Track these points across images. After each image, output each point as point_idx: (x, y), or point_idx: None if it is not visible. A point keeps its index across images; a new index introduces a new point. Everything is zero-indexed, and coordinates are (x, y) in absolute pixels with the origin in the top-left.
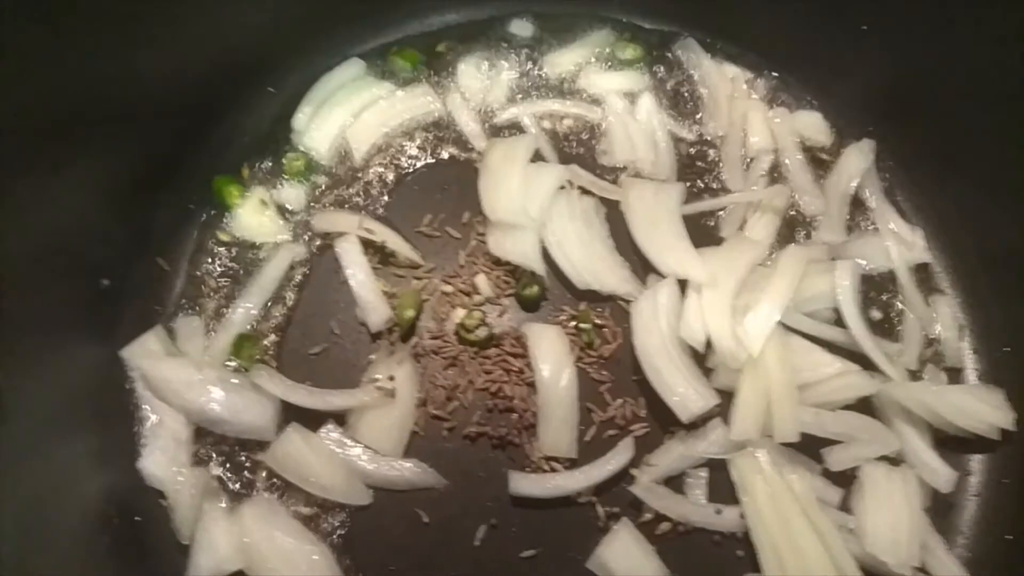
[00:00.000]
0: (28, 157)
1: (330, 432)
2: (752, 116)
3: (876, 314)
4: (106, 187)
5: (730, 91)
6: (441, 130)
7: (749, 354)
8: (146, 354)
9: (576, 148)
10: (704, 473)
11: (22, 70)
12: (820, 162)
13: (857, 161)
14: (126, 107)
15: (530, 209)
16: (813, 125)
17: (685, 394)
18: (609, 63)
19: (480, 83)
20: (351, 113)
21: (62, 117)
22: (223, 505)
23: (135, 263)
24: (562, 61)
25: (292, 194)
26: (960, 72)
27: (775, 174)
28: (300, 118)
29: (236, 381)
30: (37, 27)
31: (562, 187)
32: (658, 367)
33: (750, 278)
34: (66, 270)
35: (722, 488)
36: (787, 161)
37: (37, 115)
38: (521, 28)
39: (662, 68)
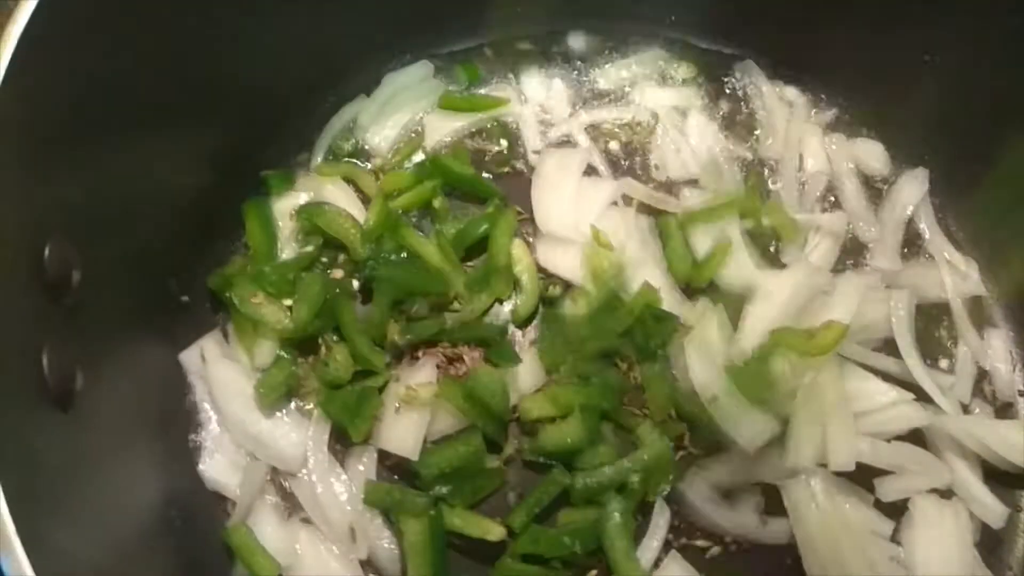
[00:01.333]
0: (118, 139)
1: None
2: (809, 140)
3: (929, 345)
4: (184, 181)
5: (787, 114)
6: (504, 135)
7: (805, 380)
8: (203, 358)
9: (630, 162)
10: (756, 495)
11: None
12: (874, 190)
13: (912, 189)
14: (212, 96)
15: (581, 224)
16: (872, 153)
17: (750, 424)
18: (662, 79)
19: (542, 93)
20: (416, 111)
21: (149, 101)
22: (279, 515)
23: (200, 263)
24: (615, 75)
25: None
26: (1018, 104)
27: (830, 200)
28: (365, 115)
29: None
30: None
31: (616, 203)
32: (717, 395)
33: (808, 304)
34: (143, 270)
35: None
36: (843, 187)
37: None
38: (577, 42)
39: (717, 88)
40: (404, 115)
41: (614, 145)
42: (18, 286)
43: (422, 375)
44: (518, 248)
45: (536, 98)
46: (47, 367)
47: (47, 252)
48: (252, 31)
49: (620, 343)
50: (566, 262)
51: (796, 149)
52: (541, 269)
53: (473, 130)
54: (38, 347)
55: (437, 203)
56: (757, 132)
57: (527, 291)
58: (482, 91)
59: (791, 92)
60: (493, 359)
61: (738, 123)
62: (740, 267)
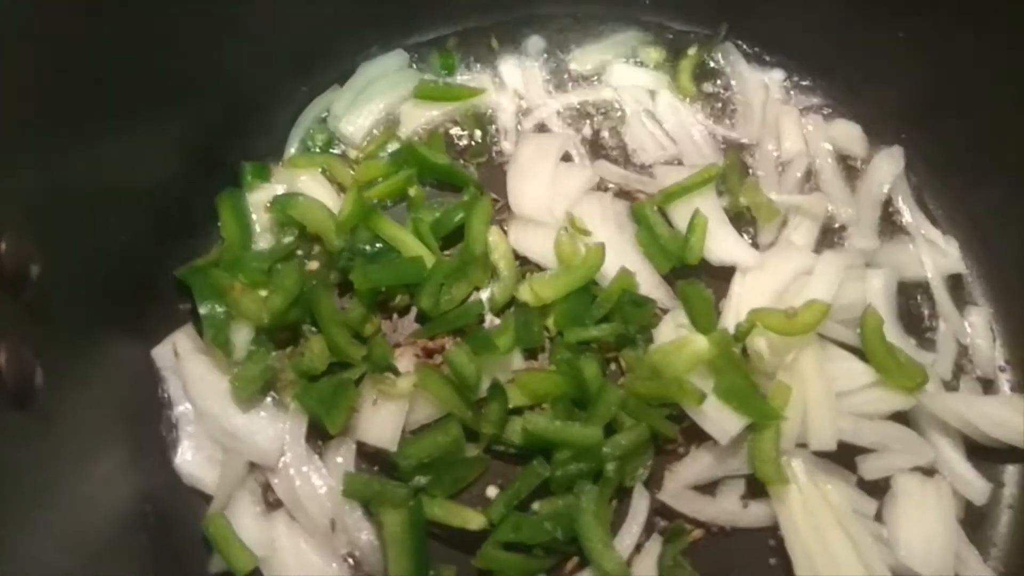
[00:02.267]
0: (85, 129)
1: None
2: (785, 122)
3: (909, 323)
4: (154, 172)
5: (764, 96)
6: (480, 124)
7: (785, 360)
8: (176, 352)
9: (606, 146)
10: (740, 482)
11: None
12: (852, 169)
13: (888, 167)
14: (180, 87)
15: (555, 208)
16: (848, 134)
17: (721, 416)
18: (636, 61)
19: (519, 79)
20: (391, 101)
21: (117, 90)
22: (259, 506)
23: (171, 256)
24: (590, 58)
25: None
26: (995, 80)
27: (808, 180)
28: (339, 104)
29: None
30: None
31: (593, 188)
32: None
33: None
34: (109, 265)
35: (760, 493)
36: (820, 167)
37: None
38: (551, 25)
39: (694, 69)
40: (378, 104)
41: (589, 130)
42: None
43: (400, 366)
44: (495, 236)
45: (512, 84)
46: (2, 364)
47: (1, 246)
48: (224, 20)
49: (598, 330)
50: (538, 245)
51: (773, 131)
52: (514, 253)
53: (449, 119)
54: None
55: (413, 191)
56: (734, 114)
57: (504, 279)
58: (458, 79)
59: (768, 74)
60: (470, 347)
61: (715, 105)
62: (722, 242)
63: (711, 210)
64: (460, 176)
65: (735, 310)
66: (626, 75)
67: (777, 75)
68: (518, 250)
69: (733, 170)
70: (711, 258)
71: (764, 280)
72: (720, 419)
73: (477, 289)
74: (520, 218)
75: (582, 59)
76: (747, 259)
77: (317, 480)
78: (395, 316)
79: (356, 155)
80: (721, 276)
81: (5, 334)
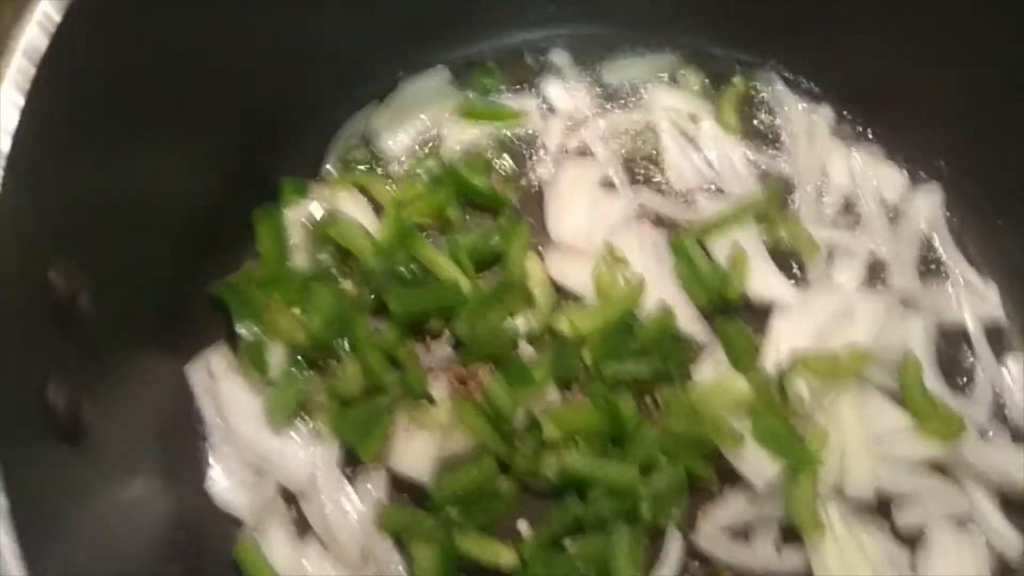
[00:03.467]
0: (127, 146)
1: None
2: (834, 157)
3: (946, 368)
4: (193, 189)
5: (810, 128)
6: (522, 145)
7: (823, 403)
8: (209, 372)
9: (646, 172)
10: (774, 526)
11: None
12: (892, 208)
13: (926, 205)
14: (220, 101)
15: (594, 237)
16: (891, 171)
17: (758, 459)
18: (677, 85)
19: (562, 101)
20: (432, 118)
21: (159, 105)
22: (290, 527)
23: (207, 273)
24: (626, 75)
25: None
26: None
27: (850, 216)
28: (379, 120)
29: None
30: None
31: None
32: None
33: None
34: (145, 283)
35: (794, 539)
36: (864, 205)
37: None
38: (592, 46)
39: (738, 96)
40: (419, 121)
41: (630, 153)
42: (19, 314)
43: (434, 392)
44: (532, 263)
45: (556, 105)
46: (54, 401)
47: (52, 276)
48: (266, 35)
49: (636, 366)
50: (576, 274)
51: (818, 165)
52: (551, 281)
53: (490, 139)
54: (43, 380)
55: (451, 213)
56: (777, 144)
57: (540, 307)
58: (502, 99)
59: (815, 107)
60: (505, 377)
61: (759, 135)
62: (762, 278)
63: (752, 244)
64: (498, 199)
65: (775, 349)
66: (667, 98)
67: (825, 109)
68: (555, 279)
69: (773, 201)
70: (750, 294)
71: (805, 319)
72: (757, 462)
73: (512, 316)
74: (558, 245)
75: (618, 76)
76: (787, 297)
77: (348, 507)
78: (428, 340)
79: (396, 171)
80: (758, 311)
81: (55, 369)
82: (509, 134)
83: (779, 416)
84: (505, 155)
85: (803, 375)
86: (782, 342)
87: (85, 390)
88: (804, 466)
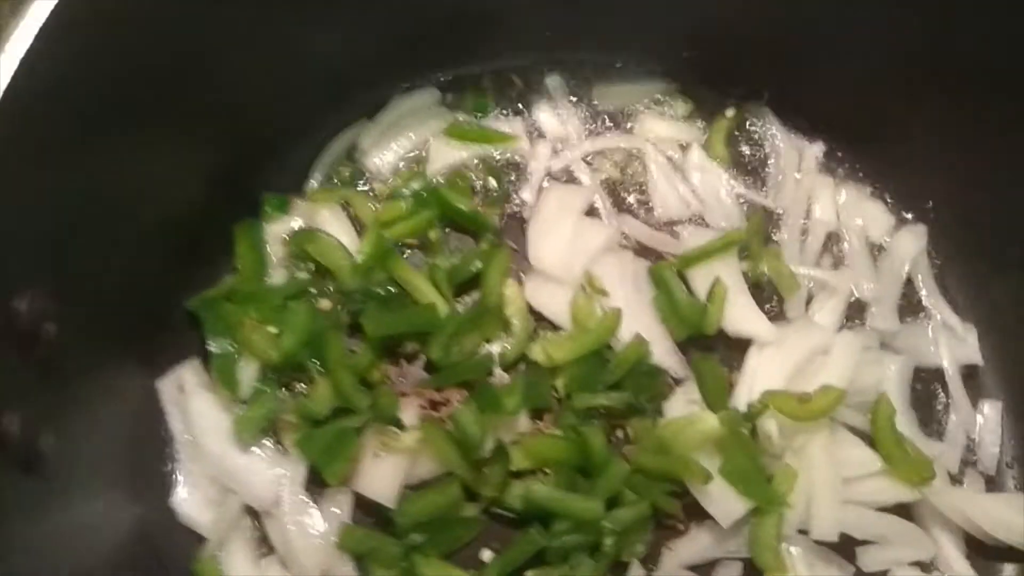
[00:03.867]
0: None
1: None
2: (820, 193)
3: (920, 410)
4: (173, 200)
5: (799, 165)
6: (509, 169)
7: (794, 443)
8: (180, 387)
9: (630, 199)
10: (738, 564)
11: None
12: (876, 246)
13: (910, 245)
14: (206, 112)
15: (574, 265)
16: (875, 210)
17: (725, 497)
18: (661, 112)
19: (553, 126)
20: (420, 138)
21: (143, 111)
22: (253, 551)
23: (184, 287)
24: (613, 101)
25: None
26: None
27: (832, 254)
28: (367, 138)
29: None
30: None
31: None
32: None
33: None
34: (119, 297)
35: None
36: (849, 243)
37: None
38: (580, 74)
39: (727, 128)
40: (407, 140)
41: (617, 181)
42: None
43: (404, 417)
44: (510, 289)
45: (546, 130)
46: (7, 430)
47: (16, 304)
48: (256, 48)
49: (607, 398)
50: (555, 303)
51: (804, 200)
52: (529, 308)
53: (477, 161)
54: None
55: (433, 235)
56: (764, 178)
57: (517, 334)
58: (491, 121)
59: (805, 143)
60: (476, 403)
61: (747, 168)
62: (740, 313)
63: (732, 278)
64: (481, 223)
65: (748, 386)
66: (657, 127)
67: (815, 145)
68: (533, 305)
69: (756, 235)
70: (728, 328)
71: (780, 357)
72: (724, 501)
73: (487, 342)
74: (538, 273)
75: (609, 101)
76: (764, 333)
77: (312, 528)
78: (403, 362)
79: (381, 188)
80: (737, 347)
81: (12, 398)
82: (497, 157)
83: (748, 455)
84: (491, 178)
85: (773, 415)
86: (756, 380)
87: (45, 416)
88: (771, 507)
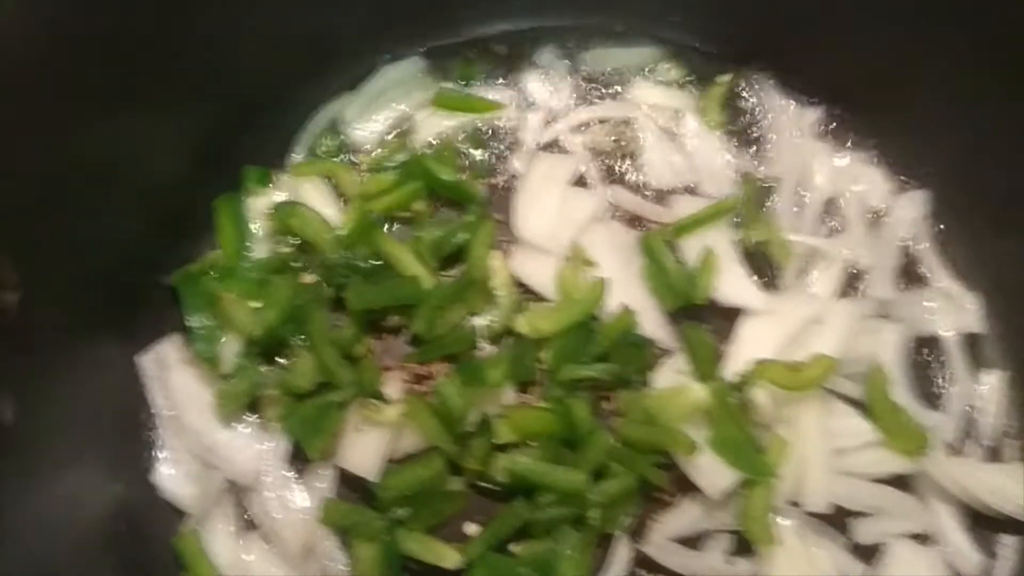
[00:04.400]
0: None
1: None
2: (817, 160)
3: (919, 380)
4: (154, 170)
5: (796, 131)
6: (496, 138)
7: (785, 413)
8: (161, 362)
9: (621, 168)
10: (727, 536)
11: None
12: (876, 214)
13: (909, 213)
14: (188, 82)
15: (561, 236)
16: (876, 177)
17: (713, 469)
18: (655, 78)
19: (541, 94)
20: (405, 108)
21: (129, 83)
22: (234, 522)
23: (165, 260)
24: (606, 64)
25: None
26: None
27: (829, 222)
28: (351, 109)
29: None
30: None
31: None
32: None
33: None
34: (98, 267)
35: (746, 550)
36: (846, 210)
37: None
38: (569, 40)
39: (722, 94)
40: (392, 111)
41: (605, 148)
42: None
43: (388, 390)
44: (496, 261)
45: (535, 98)
46: None
47: None
48: (239, 16)
49: (594, 370)
50: (540, 274)
51: (800, 168)
52: (514, 279)
53: (465, 132)
54: None
55: (418, 207)
56: (760, 146)
57: (502, 306)
58: (479, 90)
59: (803, 109)
60: (461, 377)
61: (742, 135)
62: (731, 283)
63: (724, 247)
64: (466, 194)
65: (739, 356)
66: (650, 94)
67: (813, 110)
68: (519, 277)
69: (751, 202)
70: (719, 298)
71: (773, 326)
72: (712, 472)
73: (473, 315)
74: (524, 243)
75: (600, 65)
76: (755, 302)
77: (294, 504)
78: (387, 336)
79: (365, 162)
80: (729, 317)
81: None
82: (484, 127)
83: (738, 426)
84: (479, 149)
85: (764, 385)
86: (747, 350)
87: (13, 388)
88: (760, 478)
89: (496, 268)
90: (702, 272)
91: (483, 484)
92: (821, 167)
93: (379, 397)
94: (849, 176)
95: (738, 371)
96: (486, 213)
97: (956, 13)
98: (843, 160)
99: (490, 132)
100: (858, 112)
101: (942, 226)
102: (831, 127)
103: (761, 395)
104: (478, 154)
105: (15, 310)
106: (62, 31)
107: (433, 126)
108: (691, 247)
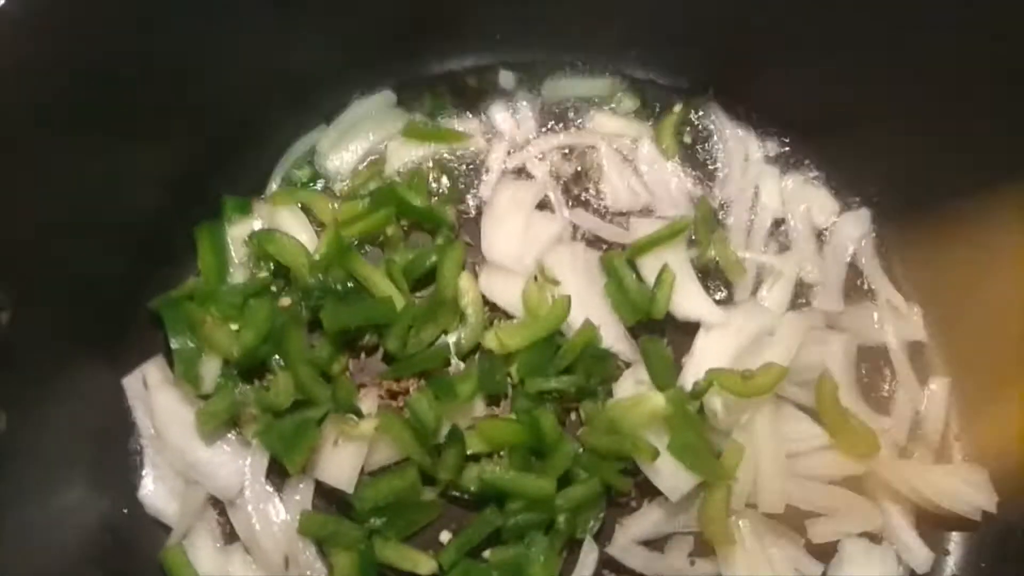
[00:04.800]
0: (67, 154)
1: None
2: (765, 181)
3: (868, 388)
4: (135, 201)
5: (744, 153)
6: (465, 166)
7: (740, 420)
8: (145, 383)
9: (582, 192)
10: (689, 538)
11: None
12: (820, 230)
13: (853, 230)
14: (167, 116)
15: (526, 257)
16: (822, 196)
17: (674, 473)
18: (616, 109)
19: (507, 124)
20: (377, 139)
21: (110, 118)
22: (217, 539)
23: (147, 287)
24: (563, 95)
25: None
26: (966, 161)
27: (778, 239)
28: (325, 141)
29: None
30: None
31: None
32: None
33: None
34: (82, 294)
35: (707, 551)
36: (794, 229)
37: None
38: (532, 73)
39: (674, 121)
40: (364, 142)
41: (566, 173)
42: None
43: (364, 406)
44: (465, 281)
45: (501, 128)
46: None
47: None
48: (215, 52)
49: (559, 382)
50: (508, 293)
51: (751, 189)
52: (483, 298)
53: (434, 159)
54: None
55: (390, 231)
56: (712, 169)
57: (472, 324)
58: (447, 120)
59: (751, 134)
60: (433, 392)
61: (695, 159)
62: (688, 298)
63: (680, 265)
64: (437, 218)
65: (696, 367)
66: (609, 123)
67: (760, 136)
68: (488, 296)
69: (704, 222)
70: (677, 312)
71: (727, 338)
72: (672, 476)
73: (445, 333)
74: (491, 264)
75: (558, 94)
76: (711, 316)
77: (274, 516)
78: (363, 355)
79: (340, 189)
80: (686, 331)
81: None
82: (452, 156)
83: (695, 431)
84: (446, 176)
85: (719, 392)
86: (703, 361)
87: (2, 404)
88: (717, 480)
89: (465, 288)
90: (660, 288)
91: (456, 494)
92: (769, 188)
93: (355, 412)
94: (796, 197)
95: (695, 380)
96: (455, 236)
97: (890, 45)
98: (790, 182)
99: (458, 161)
100: (804, 138)
101: (884, 242)
102: (779, 152)
103: (717, 402)
104: (447, 181)
105: (5, 329)
106: (44, 68)
107: (404, 155)
108: (649, 265)
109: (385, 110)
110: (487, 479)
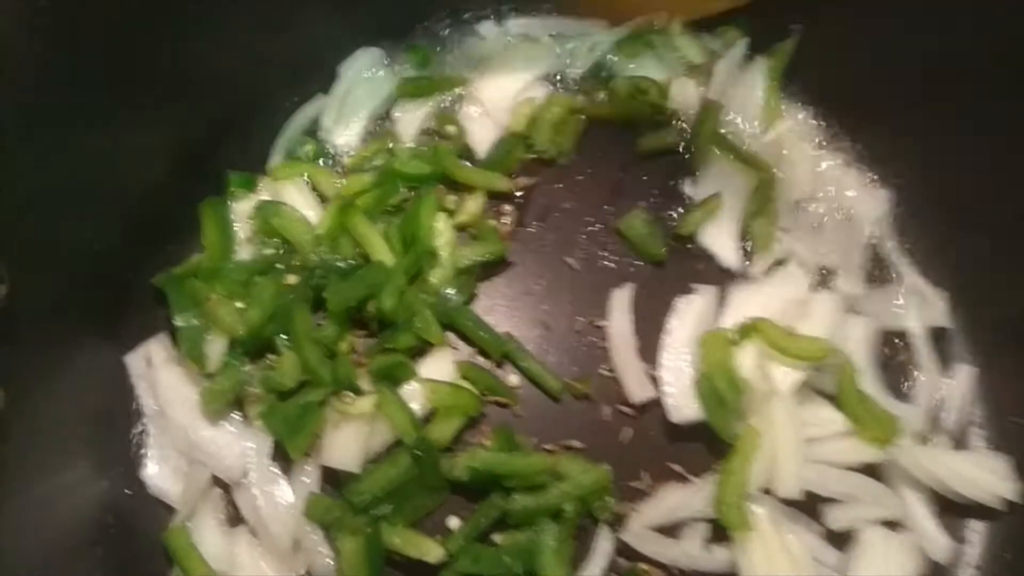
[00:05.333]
0: (69, 129)
1: None
2: (797, 160)
3: (889, 373)
4: (139, 176)
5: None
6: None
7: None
8: (148, 361)
9: None
10: (704, 525)
11: None
12: (843, 212)
13: (873, 211)
14: (169, 91)
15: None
16: (846, 184)
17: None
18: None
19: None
20: (376, 104)
21: (111, 93)
22: (221, 517)
23: (152, 263)
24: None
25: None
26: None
27: (805, 220)
28: (328, 116)
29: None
30: None
31: None
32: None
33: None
34: (84, 271)
35: (723, 537)
36: (819, 209)
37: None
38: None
39: None
40: (365, 110)
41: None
42: None
43: (363, 386)
44: (440, 223)
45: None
46: None
47: None
48: (215, 26)
49: None
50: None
51: (786, 167)
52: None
53: (439, 114)
54: None
55: (395, 201)
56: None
57: (444, 263)
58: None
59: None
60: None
61: None
62: (721, 233)
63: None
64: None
65: (735, 310)
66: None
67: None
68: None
69: (768, 187)
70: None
71: (763, 297)
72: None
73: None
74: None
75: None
76: (729, 258)
77: (280, 499)
78: (371, 332)
79: (344, 163)
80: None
81: None
82: (452, 103)
83: (728, 378)
84: (452, 125)
85: (759, 342)
86: (741, 312)
87: (2, 381)
88: (724, 436)
89: (440, 229)
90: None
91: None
92: (799, 167)
93: (354, 390)
94: (824, 176)
95: (736, 320)
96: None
97: (926, 30)
98: (821, 161)
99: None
100: (835, 116)
101: (910, 226)
102: (811, 129)
103: (749, 360)
104: (452, 128)
105: (3, 302)
106: (47, 43)
107: (412, 121)
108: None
109: (376, 72)
110: (477, 466)
